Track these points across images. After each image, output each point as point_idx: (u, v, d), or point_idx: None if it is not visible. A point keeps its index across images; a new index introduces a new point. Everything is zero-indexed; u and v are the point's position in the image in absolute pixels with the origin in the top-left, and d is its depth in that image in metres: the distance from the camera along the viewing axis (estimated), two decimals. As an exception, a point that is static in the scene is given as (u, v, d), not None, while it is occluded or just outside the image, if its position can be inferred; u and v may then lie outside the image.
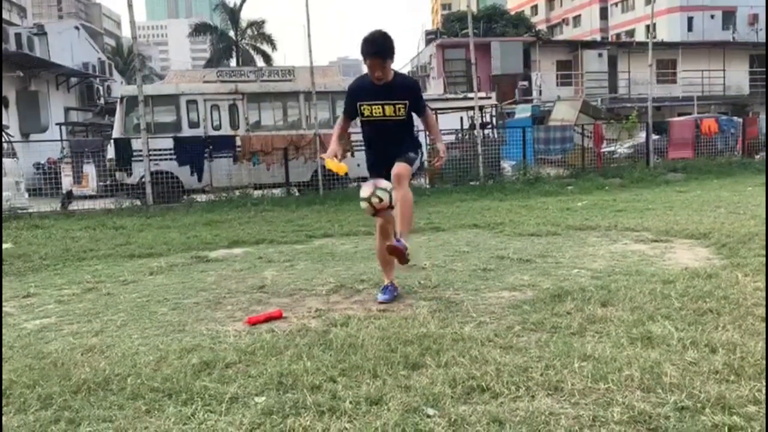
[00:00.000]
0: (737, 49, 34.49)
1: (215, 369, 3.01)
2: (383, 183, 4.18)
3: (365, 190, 4.18)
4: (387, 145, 4.31)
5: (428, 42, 34.28)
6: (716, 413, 2.34)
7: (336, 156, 4.29)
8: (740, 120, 18.91)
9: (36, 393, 2.78)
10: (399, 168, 4.23)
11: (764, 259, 4.94)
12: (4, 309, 4.54)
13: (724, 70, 32.52)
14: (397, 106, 4.23)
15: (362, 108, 4.27)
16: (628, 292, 4.08)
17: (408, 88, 4.33)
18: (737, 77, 33.30)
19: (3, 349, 3.50)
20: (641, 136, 16.83)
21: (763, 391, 2.49)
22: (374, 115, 4.24)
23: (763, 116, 19.47)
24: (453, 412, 2.44)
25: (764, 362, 2.78)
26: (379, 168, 4.33)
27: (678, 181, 13.63)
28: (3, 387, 2.86)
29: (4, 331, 3.93)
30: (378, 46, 4.08)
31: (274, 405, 2.56)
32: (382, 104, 4.22)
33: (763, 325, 3.33)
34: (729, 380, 2.62)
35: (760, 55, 33.87)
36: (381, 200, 4.12)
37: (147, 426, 2.47)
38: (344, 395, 2.63)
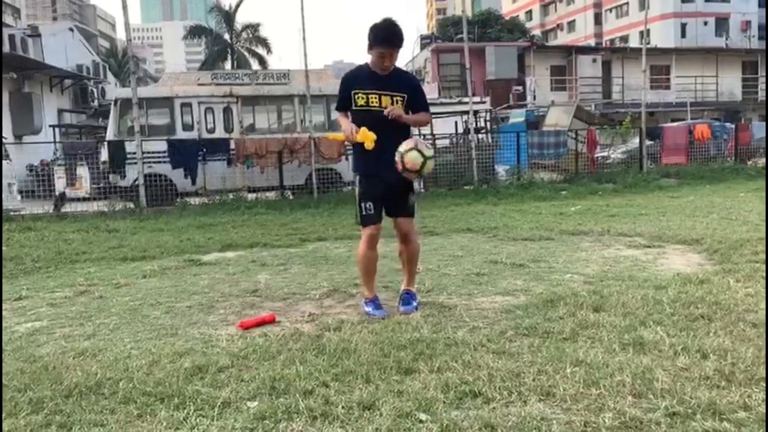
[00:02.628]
0: (730, 55, 34.74)
1: (208, 373, 3.01)
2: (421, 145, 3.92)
3: (408, 144, 3.90)
4: (379, 142, 3.90)
5: (423, 46, 34.35)
6: (707, 419, 2.35)
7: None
8: (732, 126, 19.03)
9: (27, 397, 2.76)
10: (404, 224, 4.14)
11: (756, 264, 4.97)
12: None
13: (717, 77, 32.73)
14: (394, 98, 3.98)
15: (356, 96, 3.99)
16: (621, 297, 4.09)
17: (408, 82, 4.10)
18: (730, 83, 33.55)
19: (-6, 353, 3.48)
20: (635, 142, 16.92)
21: (754, 397, 2.50)
22: (370, 104, 3.96)
23: (755, 122, 19.58)
24: (445, 417, 2.44)
25: (755, 368, 2.79)
26: (370, 166, 4.04)
27: (671, 186, 13.70)
28: (-6, 391, 2.84)
29: (-5, 334, 3.91)
30: (392, 35, 3.91)
31: (266, 410, 2.56)
32: (379, 94, 3.96)
33: (754, 330, 3.34)
34: (720, 386, 2.64)
35: (752, 61, 34.17)
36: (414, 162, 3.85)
37: (139, 430, 2.46)
38: (337, 400, 2.63)
